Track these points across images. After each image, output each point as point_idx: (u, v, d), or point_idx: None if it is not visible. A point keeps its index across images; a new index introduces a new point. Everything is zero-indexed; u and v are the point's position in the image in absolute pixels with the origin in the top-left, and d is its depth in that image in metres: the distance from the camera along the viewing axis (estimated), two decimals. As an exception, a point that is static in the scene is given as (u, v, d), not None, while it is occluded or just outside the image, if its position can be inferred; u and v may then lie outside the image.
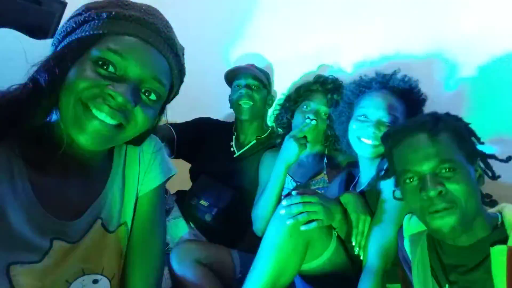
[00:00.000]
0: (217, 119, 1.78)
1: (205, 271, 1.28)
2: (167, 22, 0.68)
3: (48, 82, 0.59)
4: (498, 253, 0.76)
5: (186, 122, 1.68)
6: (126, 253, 0.76)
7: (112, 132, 0.61)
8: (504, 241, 0.77)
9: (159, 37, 0.65)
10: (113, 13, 0.61)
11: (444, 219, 0.77)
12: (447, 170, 0.78)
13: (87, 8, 0.63)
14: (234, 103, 1.60)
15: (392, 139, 0.88)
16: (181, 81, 0.75)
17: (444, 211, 0.77)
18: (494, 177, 0.86)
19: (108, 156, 0.74)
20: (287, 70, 1.75)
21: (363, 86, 1.19)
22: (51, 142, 0.64)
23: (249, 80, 1.58)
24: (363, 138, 1.11)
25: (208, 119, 1.75)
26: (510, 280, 0.73)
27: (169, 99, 0.73)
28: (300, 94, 1.45)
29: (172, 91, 0.72)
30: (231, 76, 1.64)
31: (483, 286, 0.77)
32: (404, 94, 1.14)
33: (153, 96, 0.65)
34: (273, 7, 1.72)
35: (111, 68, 0.60)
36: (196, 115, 1.74)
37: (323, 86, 1.41)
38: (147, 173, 0.78)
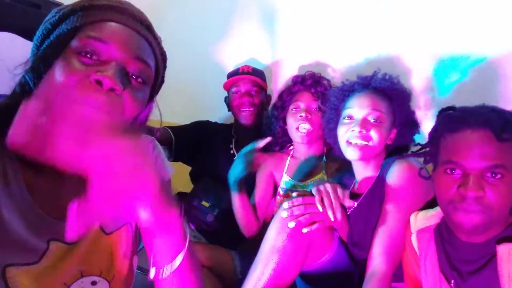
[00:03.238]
0: (215, 122, 1.78)
1: (205, 273, 1.28)
2: (139, 9, 0.69)
3: (35, 81, 0.59)
4: (504, 251, 0.75)
5: (184, 126, 1.68)
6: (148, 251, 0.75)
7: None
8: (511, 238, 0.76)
9: (135, 21, 0.65)
10: (86, 5, 0.63)
11: (469, 215, 0.75)
12: (494, 176, 0.74)
13: (59, 9, 0.64)
14: (235, 110, 1.61)
15: (449, 124, 0.82)
16: (165, 67, 0.74)
17: (471, 213, 0.75)
18: None
19: None
20: (283, 73, 1.76)
21: (346, 90, 1.18)
22: None
23: (248, 86, 1.59)
24: (351, 141, 1.08)
25: (207, 122, 1.75)
26: None
27: (156, 86, 0.72)
28: (284, 99, 1.45)
29: (158, 76, 0.71)
30: (230, 82, 1.64)
31: (490, 284, 0.75)
32: (387, 91, 1.13)
33: (139, 79, 0.65)
34: (269, 10, 1.73)
35: (94, 56, 0.60)
36: (196, 117, 1.74)
37: (304, 83, 1.40)
38: None
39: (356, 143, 1.07)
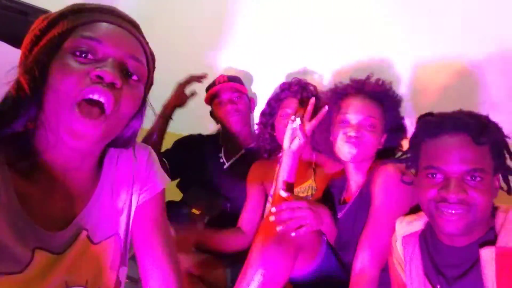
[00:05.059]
0: (199, 134, 1.79)
1: (196, 281, 1.27)
2: (124, 12, 0.70)
3: (30, 84, 0.58)
4: (487, 254, 0.76)
5: (169, 149, 1.69)
6: (140, 261, 0.77)
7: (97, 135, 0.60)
8: (494, 241, 0.77)
9: (125, 21, 0.66)
10: (75, 8, 0.63)
11: (452, 219, 0.77)
12: (475, 179, 0.77)
13: (45, 17, 0.64)
14: (223, 120, 1.62)
15: (428, 130, 0.84)
16: (154, 67, 0.75)
17: (455, 214, 0.77)
18: (510, 191, 0.84)
19: (97, 165, 0.73)
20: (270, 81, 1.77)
21: (339, 93, 1.19)
22: (34, 148, 0.63)
23: (229, 94, 1.60)
24: (348, 144, 1.11)
25: (190, 136, 1.76)
26: (499, 281, 0.73)
27: (146, 87, 0.72)
28: (273, 106, 1.47)
29: (148, 77, 0.71)
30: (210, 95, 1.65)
31: (474, 287, 0.77)
32: (380, 96, 1.15)
33: (134, 76, 0.65)
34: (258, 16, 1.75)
35: (90, 55, 0.60)
36: (191, 125, 1.74)
37: (290, 90, 1.43)
38: (145, 182, 0.78)
39: (352, 141, 1.10)
